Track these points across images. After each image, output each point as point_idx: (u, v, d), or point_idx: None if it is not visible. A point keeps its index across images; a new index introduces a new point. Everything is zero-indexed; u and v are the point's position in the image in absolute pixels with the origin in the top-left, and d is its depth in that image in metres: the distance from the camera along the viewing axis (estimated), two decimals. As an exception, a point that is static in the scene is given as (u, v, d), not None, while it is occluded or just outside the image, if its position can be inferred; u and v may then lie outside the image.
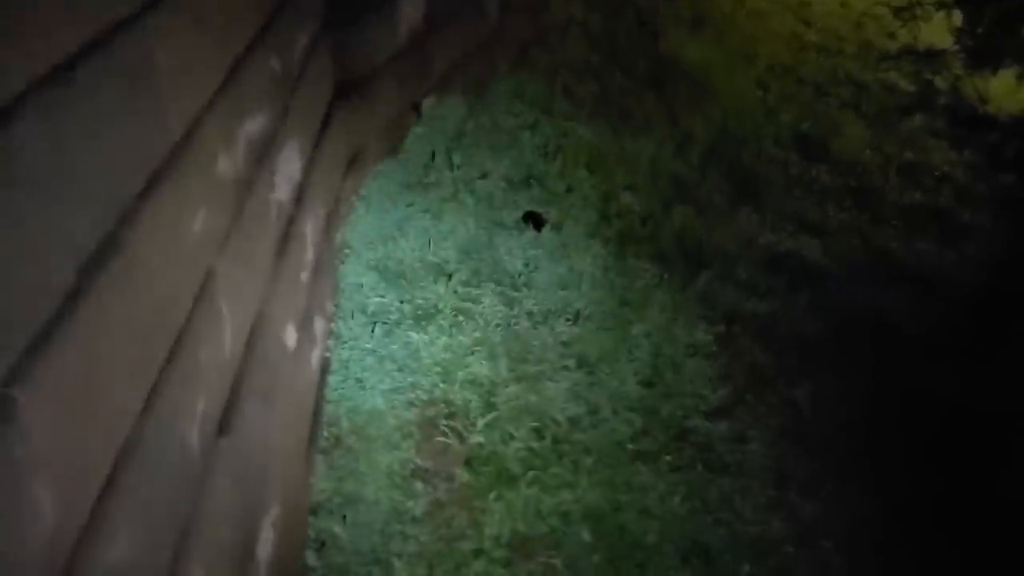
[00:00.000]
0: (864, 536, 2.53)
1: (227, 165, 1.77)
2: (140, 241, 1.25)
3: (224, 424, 1.62)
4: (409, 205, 3.56)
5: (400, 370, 2.77)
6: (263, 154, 2.12)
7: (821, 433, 2.89)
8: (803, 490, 2.64)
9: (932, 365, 3.25)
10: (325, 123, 2.93)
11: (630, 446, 2.67)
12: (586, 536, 2.35)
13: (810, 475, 2.71)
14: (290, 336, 2.19)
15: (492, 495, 2.42)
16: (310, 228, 2.57)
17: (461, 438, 2.59)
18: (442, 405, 2.69)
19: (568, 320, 3.14)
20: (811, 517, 2.55)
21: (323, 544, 2.20)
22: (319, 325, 2.61)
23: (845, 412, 2.98)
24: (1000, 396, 3.12)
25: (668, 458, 2.65)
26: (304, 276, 2.47)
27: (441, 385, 2.75)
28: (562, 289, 3.30)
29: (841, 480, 2.70)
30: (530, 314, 3.14)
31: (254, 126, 2.03)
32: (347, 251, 3.18)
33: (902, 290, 3.73)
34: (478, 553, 2.25)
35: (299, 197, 2.49)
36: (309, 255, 2.54)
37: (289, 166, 2.40)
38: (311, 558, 2.16)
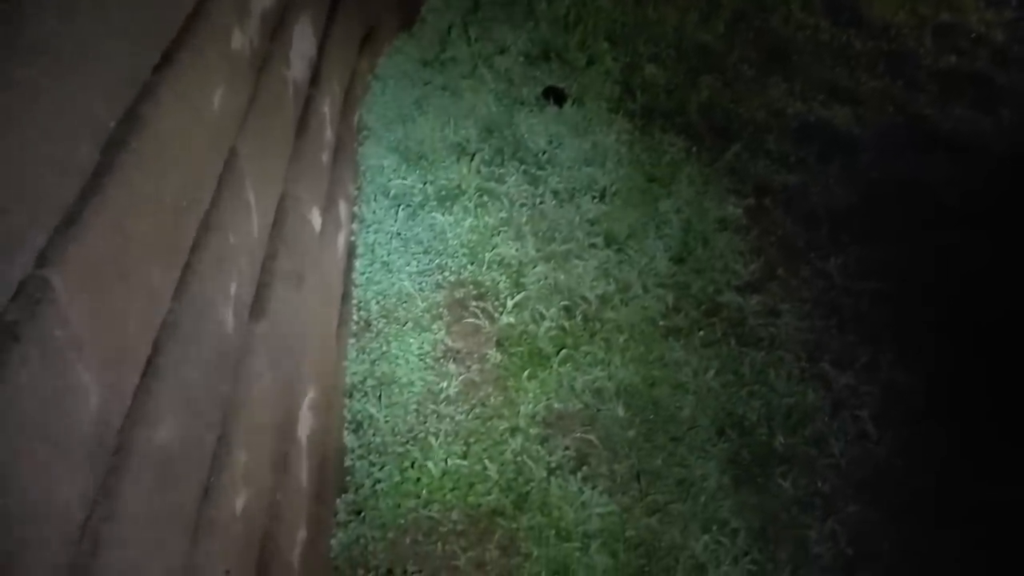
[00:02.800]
0: (898, 406, 2.52)
1: (242, 40, 1.69)
2: (161, 117, 1.19)
3: (257, 307, 1.59)
4: (427, 83, 3.44)
5: (426, 252, 2.74)
6: (277, 30, 2.03)
7: (854, 305, 2.85)
8: (836, 362, 2.62)
9: (968, 233, 3.17)
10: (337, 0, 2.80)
11: (662, 322, 2.64)
12: (621, 412, 2.36)
13: (843, 347, 2.68)
14: (315, 218, 2.14)
15: (525, 374, 2.42)
16: (328, 107, 2.49)
17: (491, 319, 2.58)
18: (471, 286, 2.66)
19: (594, 197, 3.07)
20: (845, 388, 2.54)
21: (360, 425, 2.22)
22: (343, 208, 2.56)
23: (878, 283, 2.93)
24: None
25: (701, 333, 2.63)
26: (325, 157, 2.40)
27: (469, 266, 2.71)
28: (587, 166, 3.22)
29: (874, 351, 2.67)
30: (555, 192, 3.07)
31: (267, 0, 1.93)
32: (366, 132, 3.09)
33: (936, 158, 3.60)
34: (514, 431, 2.26)
35: (315, 76, 2.40)
36: (329, 135, 2.46)
37: (303, 43, 2.30)
38: (349, 439, 2.18)
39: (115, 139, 1.07)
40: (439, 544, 2.01)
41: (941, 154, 3.64)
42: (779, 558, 2.09)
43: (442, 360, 2.44)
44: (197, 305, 1.25)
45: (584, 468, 2.22)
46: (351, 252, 2.64)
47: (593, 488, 2.17)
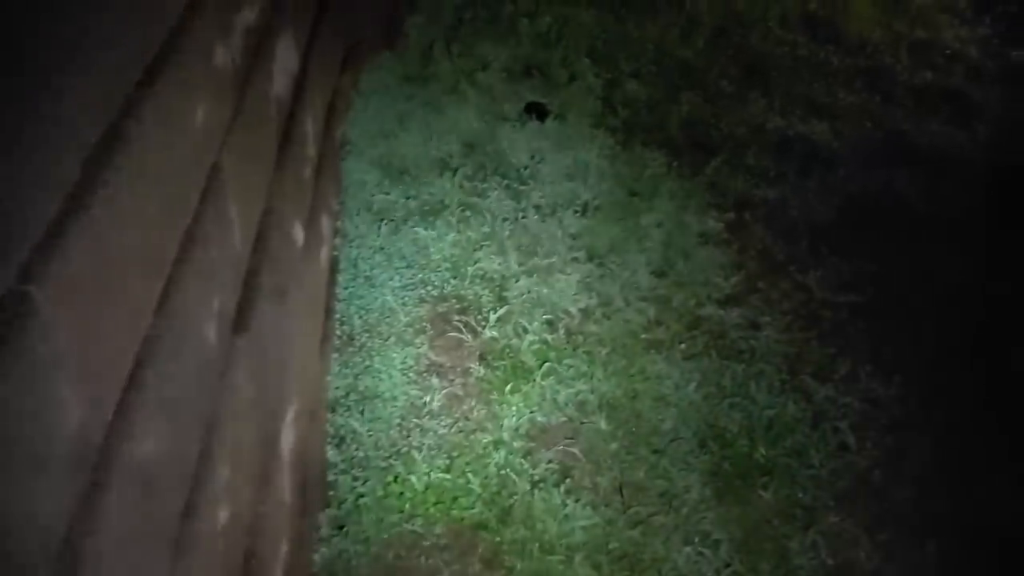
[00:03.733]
0: (877, 417, 2.55)
1: (225, 56, 1.70)
2: (143, 133, 1.19)
3: (240, 322, 1.59)
4: (409, 99, 3.47)
5: (409, 267, 2.75)
6: (260, 46, 2.04)
7: (833, 317, 2.88)
8: (816, 373, 2.65)
9: (944, 246, 3.21)
10: (319, 15, 2.81)
11: (644, 336, 2.66)
12: (603, 425, 2.37)
13: (823, 359, 2.71)
14: (298, 233, 2.14)
15: (508, 388, 2.43)
16: (310, 123, 2.50)
17: (474, 333, 2.59)
18: (453, 301, 2.68)
19: (576, 212, 3.09)
20: (825, 400, 2.56)
21: (343, 439, 2.22)
22: (325, 223, 2.57)
23: (856, 296, 2.96)
24: (1013, 275, 3.10)
25: (682, 346, 2.65)
26: (307, 172, 2.41)
27: (451, 281, 2.73)
28: (569, 181, 3.24)
29: (853, 363, 2.70)
30: (537, 207, 3.10)
31: (250, 15, 1.94)
32: (348, 147, 3.11)
33: (913, 172, 3.65)
34: (497, 444, 2.27)
35: (298, 91, 2.41)
36: (311, 151, 2.47)
37: (286, 59, 2.31)
38: (332, 453, 2.19)
39: (97, 155, 1.08)
40: (422, 558, 2.01)
41: (918, 168, 3.69)
42: (761, 569, 2.11)
43: (425, 374, 2.45)
44: (179, 320, 1.25)
45: (567, 481, 2.23)
46: (334, 267, 2.65)
47: (576, 501, 2.18)
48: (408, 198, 3.01)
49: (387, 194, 3.01)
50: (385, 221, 2.89)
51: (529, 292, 2.73)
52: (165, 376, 1.18)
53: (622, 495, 2.22)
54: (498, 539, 2.07)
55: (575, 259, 2.89)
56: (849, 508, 2.29)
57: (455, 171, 3.15)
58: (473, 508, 2.12)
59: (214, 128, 1.56)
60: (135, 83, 1.22)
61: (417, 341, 2.53)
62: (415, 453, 2.21)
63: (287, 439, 1.82)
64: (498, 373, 2.47)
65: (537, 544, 2.06)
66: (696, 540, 2.14)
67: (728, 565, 2.11)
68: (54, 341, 0.89)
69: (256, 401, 1.62)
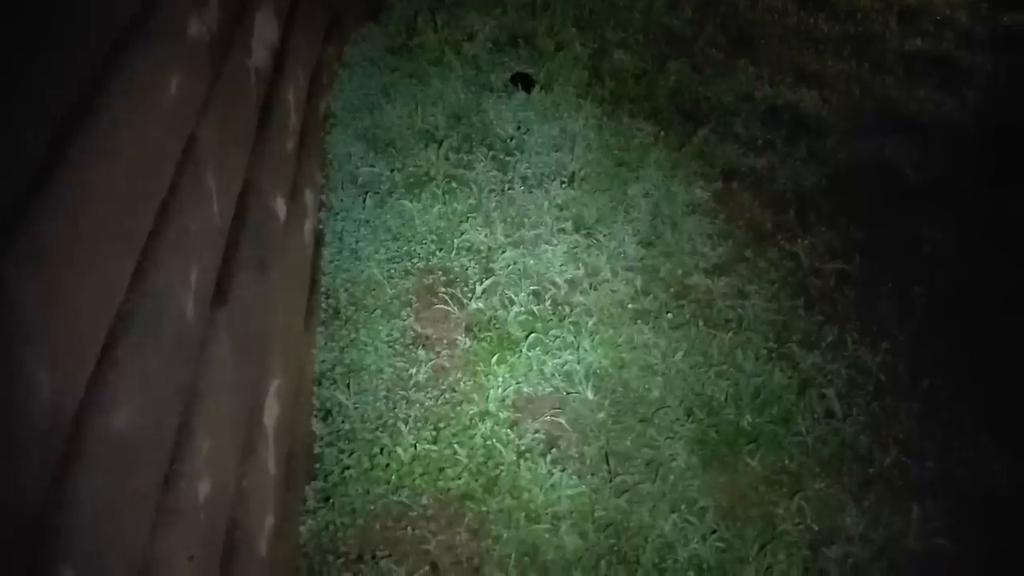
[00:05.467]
0: (864, 383, 2.55)
1: (199, 27, 1.67)
2: (113, 106, 1.18)
3: (219, 295, 1.59)
4: (394, 70, 3.44)
5: (395, 239, 2.74)
6: (238, 17, 2.01)
7: (820, 285, 2.88)
8: (803, 341, 2.65)
9: (933, 213, 3.21)
10: (300, -16, 2.78)
11: (631, 306, 2.66)
12: (590, 395, 2.38)
13: (809, 327, 2.71)
14: (280, 207, 2.13)
15: (494, 359, 2.43)
16: (292, 95, 2.48)
17: (460, 304, 2.59)
18: (439, 272, 2.67)
19: (563, 183, 3.08)
20: (811, 367, 2.57)
21: (329, 412, 2.23)
22: (309, 196, 2.56)
23: (844, 263, 2.96)
24: (1002, 240, 3.10)
25: (669, 316, 2.65)
26: (290, 145, 2.39)
27: (437, 253, 2.72)
28: (556, 151, 3.23)
29: (840, 330, 2.70)
30: (524, 178, 3.08)
31: (225, -15, 1.91)
32: (333, 120, 3.09)
33: (903, 139, 3.63)
34: (484, 415, 2.28)
35: (278, 63, 2.39)
36: (293, 123, 2.45)
37: (265, 31, 2.28)
38: (318, 426, 2.19)
39: (66, 129, 1.06)
40: (409, 529, 2.02)
41: (907, 135, 3.67)
42: (746, 535, 2.12)
43: (411, 346, 2.45)
44: (155, 293, 1.25)
45: (553, 451, 2.24)
46: (319, 240, 2.64)
47: (562, 470, 2.19)
48: (393, 170, 3.00)
49: (372, 167, 2.99)
50: (370, 194, 2.87)
51: (515, 263, 2.73)
52: (141, 349, 1.17)
53: (608, 464, 2.23)
54: (484, 509, 2.08)
55: (562, 230, 2.88)
56: (835, 474, 2.30)
57: (440, 143, 3.13)
58: (459, 479, 2.13)
59: (190, 100, 1.55)
60: (104, 55, 1.21)
61: (403, 313, 2.53)
62: (401, 425, 2.21)
63: (271, 412, 1.83)
64: (484, 344, 2.48)
65: (523, 513, 2.07)
66: (682, 507, 2.15)
67: (714, 532, 2.12)
68: (22, 317, 0.89)
69: (238, 374, 1.61)
